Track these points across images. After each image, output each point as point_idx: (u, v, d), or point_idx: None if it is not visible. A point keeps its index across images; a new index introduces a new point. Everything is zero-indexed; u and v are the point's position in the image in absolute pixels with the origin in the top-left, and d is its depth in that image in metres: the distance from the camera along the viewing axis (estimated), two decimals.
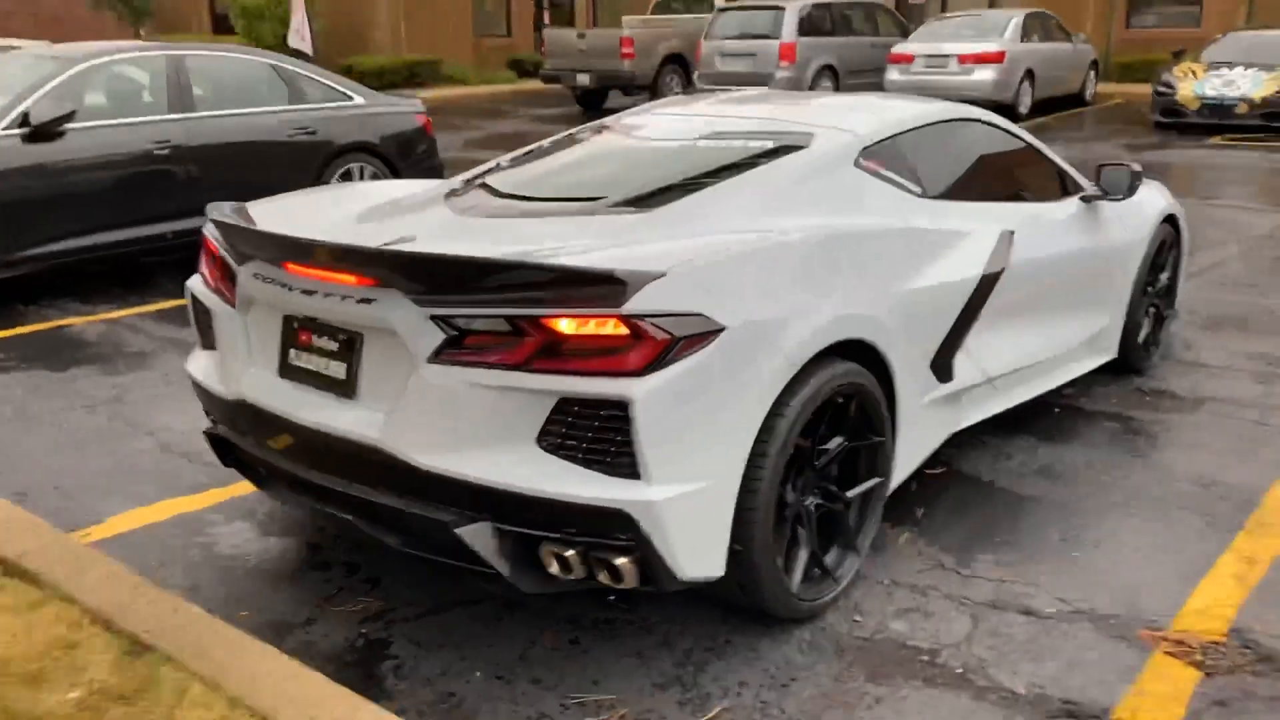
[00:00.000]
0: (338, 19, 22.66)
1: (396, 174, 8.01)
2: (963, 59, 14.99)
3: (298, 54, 20.78)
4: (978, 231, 3.63)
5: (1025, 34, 15.47)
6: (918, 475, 3.66)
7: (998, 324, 3.68)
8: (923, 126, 3.80)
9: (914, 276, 3.26)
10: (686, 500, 2.48)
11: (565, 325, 2.43)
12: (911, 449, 3.33)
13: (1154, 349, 5.03)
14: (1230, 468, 3.90)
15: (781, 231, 2.92)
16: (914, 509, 3.58)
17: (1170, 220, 5.00)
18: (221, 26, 24.84)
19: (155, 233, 6.73)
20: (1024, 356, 3.92)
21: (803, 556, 2.90)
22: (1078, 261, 4.22)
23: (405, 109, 8.24)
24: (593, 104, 18.63)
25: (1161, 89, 14.12)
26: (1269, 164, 11.15)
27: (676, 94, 17.86)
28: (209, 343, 3.19)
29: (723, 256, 2.66)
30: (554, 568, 2.55)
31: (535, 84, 19.44)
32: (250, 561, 3.26)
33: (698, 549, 2.56)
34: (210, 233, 3.14)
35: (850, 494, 3.04)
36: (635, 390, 2.39)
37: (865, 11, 17.96)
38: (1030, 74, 15.38)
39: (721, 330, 2.52)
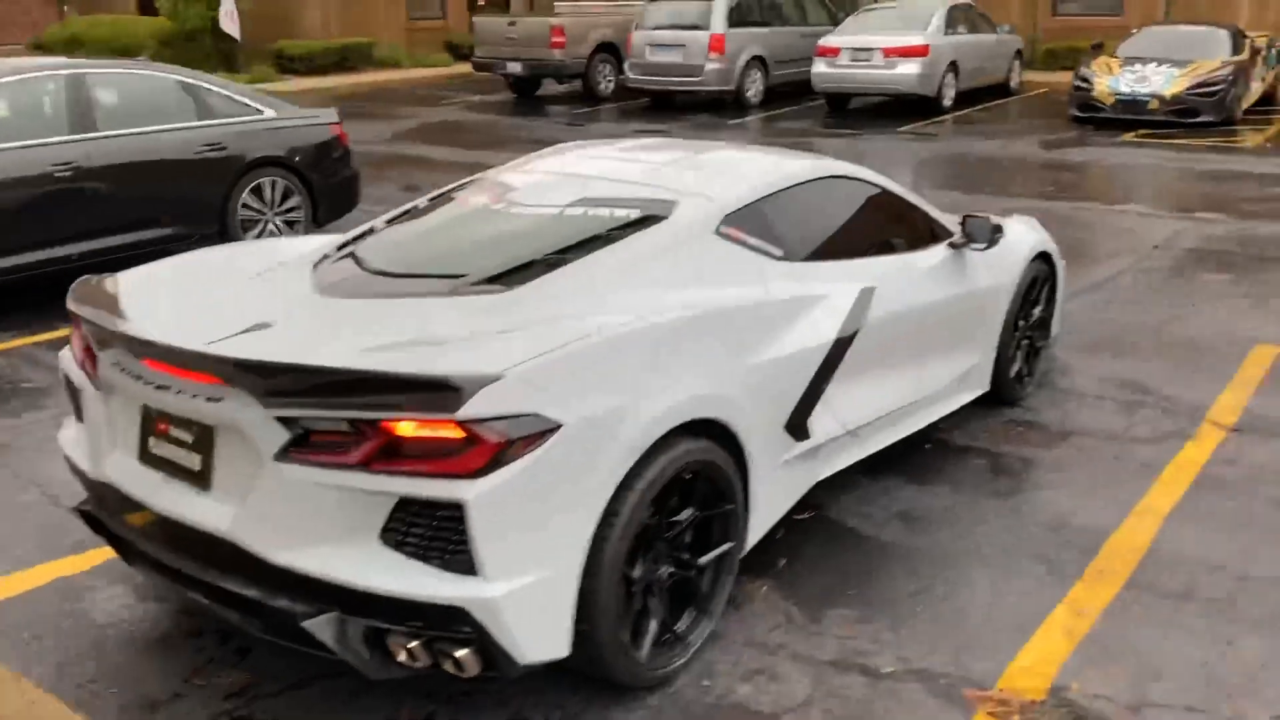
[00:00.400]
0: (266, 2, 22.28)
1: (309, 186, 7.99)
2: (887, 52, 15.14)
3: (228, 37, 20.51)
4: (836, 292, 3.76)
5: (950, 26, 15.67)
6: (786, 521, 3.80)
7: (858, 378, 3.82)
8: (787, 188, 3.91)
9: (766, 348, 3.38)
10: (525, 592, 2.60)
11: (403, 428, 2.53)
12: (769, 508, 3.47)
13: (1028, 380, 5.22)
14: (1081, 509, 4.10)
15: (630, 318, 3.02)
16: (777, 558, 3.73)
17: (1043, 256, 5.17)
18: (148, 8, 24.28)
19: (59, 255, 6.70)
20: (889, 404, 4.07)
21: (653, 626, 3.03)
22: (945, 307, 4.38)
23: (318, 120, 8.19)
24: (526, 91, 18.57)
25: (1079, 84, 14.40)
26: (1175, 163, 11.47)
27: (609, 83, 17.88)
28: (80, 415, 3.24)
29: (562, 353, 2.76)
30: (401, 657, 2.66)
31: (470, 68, 19.27)
32: (124, 629, 3.33)
33: (540, 635, 2.68)
34: (73, 309, 3.18)
35: (702, 560, 3.18)
36: (469, 492, 2.49)
37: (796, 0, 18.06)
38: (954, 66, 15.60)
39: (558, 428, 2.63)
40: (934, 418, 4.46)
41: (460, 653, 2.59)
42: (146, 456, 2.95)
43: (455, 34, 24.28)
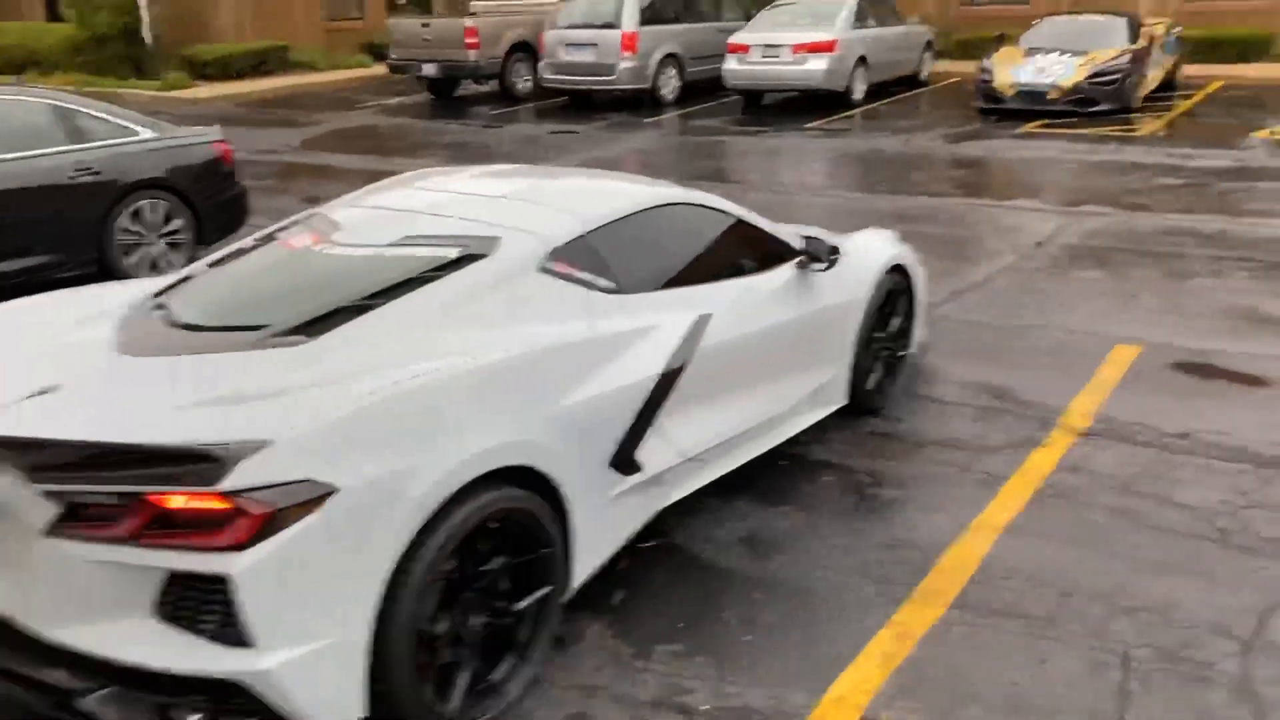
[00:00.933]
0: (178, 5, 21.81)
1: (193, 207, 7.83)
2: (796, 48, 15.20)
3: (140, 43, 20.05)
4: (667, 323, 3.75)
5: (858, 20, 15.76)
6: (630, 550, 3.80)
7: (696, 406, 3.81)
8: (622, 219, 3.89)
9: (584, 386, 3.35)
10: (306, 660, 2.56)
11: (171, 501, 2.48)
12: (597, 546, 3.46)
13: (888, 389, 5.27)
14: (922, 525, 4.14)
15: (427, 368, 2.98)
16: (614, 591, 3.71)
17: (899, 269, 5.22)
18: (56, 14, 23.68)
19: None
20: (734, 427, 4.08)
21: (464, 678, 3.01)
22: (792, 326, 4.40)
23: (199, 139, 8.02)
24: (443, 92, 18.39)
25: (983, 76, 14.56)
26: (1071, 155, 11.64)
27: (525, 83, 17.74)
28: None
29: (341, 414, 2.72)
30: None
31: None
32: None
33: (330, 700, 2.64)
34: None
35: (519, 606, 3.15)
36: (235, 566, 2.45)
37: None
38: (863, 60, 15.71)
39: (333, 493, 2.58)
40: (786, 435, 4.48)
41: None
42: None
43: (375, 35, 23.92)
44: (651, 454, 3.63)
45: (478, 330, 3.22)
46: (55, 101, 7.42)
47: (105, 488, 2.52)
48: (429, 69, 17.35)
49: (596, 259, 3.68)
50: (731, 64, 15.75)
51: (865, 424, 5.07)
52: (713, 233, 4.36)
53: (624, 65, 16.08)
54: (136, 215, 7.52)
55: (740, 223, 4.48)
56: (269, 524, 2.47)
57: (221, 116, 16.12)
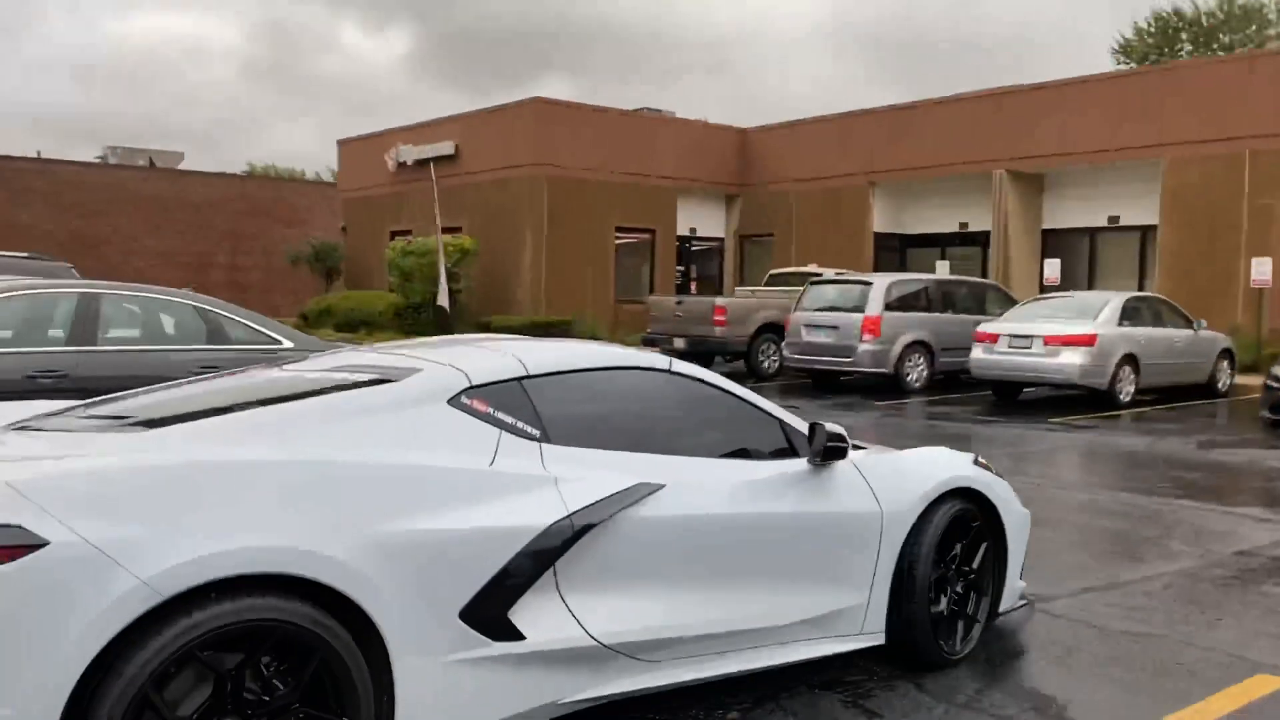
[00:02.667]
0: (487, 281, 24.15)
1: None
2: (1049, 340, 13.92)
3: (444, 310, 22.23)
4: (590, 480, 3.23)
5: (1127, 317, 14.28)
6: None
7: (622, 585, 3.19)
8: (577, 371, 3.61)
9: (438, 518, 2.90)
10: None
11: None
12: (440, 711, 2.84)
13: (957, 643, 4.14)
14: None
15: (229, 455, 2.73)
16: None
17: (969, 494, 4.13)
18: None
19: None
20: (685, 627, 3.31)
21: None
22: (788, 525, 3.66)
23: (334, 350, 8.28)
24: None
25: (1273, 383, 12.47)
26: None
27: (772, 362, 17.57)
28: None
29: (82, 469, 2.50)
30: None
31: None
32: None
33: None
34: None
35: None
36: None
37: (973, 290, 17.34)
38: (1132, 360, 14.06)
39: (42, 545, 2.31)
40: (777, 660, 3.63)
41: None
42: None
43: None
44: (538, 622, 2.99)
45: (349, 444, 2.96)
46: (197, 304, 7.94)
47: None
48: (678, 342, 17.70)
49: (526, 405, 3.41)
50: (978, 353, 14.69)
51: (917, 680, 3.82)
52: (696, 407, 3.82)
53: (864, 347, 15.50)
54: None
55: (738, 401, 3.90)
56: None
57: None
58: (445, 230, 23.57)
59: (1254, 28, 38.83)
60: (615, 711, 3.40)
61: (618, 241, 25.25)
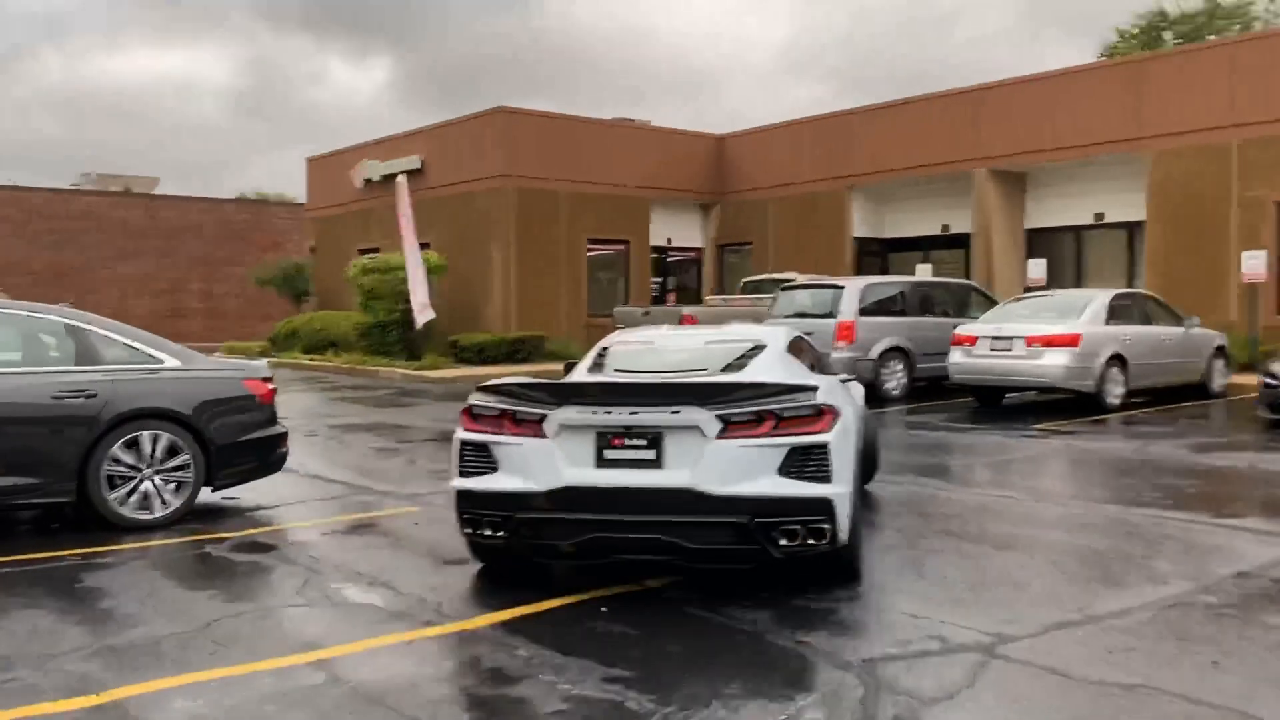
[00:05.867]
0: (455, 298, 23.31)
1: (204, 444, 7.12)
2: (1030, 340, 13.08)
3: (412, 328, 21.29)
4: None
5: (1113, 315, 13.45)
6: None
7: None
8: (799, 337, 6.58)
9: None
10: (848, 494, 5.02)
11: (787, 413, 4.79)
12: None
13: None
14: None
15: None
16: None
17: None
18: None
19: None
20: None
21: None
22: None
23: (228, 374, 7.43)
24: None
25: (1267, 380, 11.64)
26: None
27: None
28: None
29: (832, 380, 6.00)
30: None
31: None
32: None
33: (846, 518, 4.95)
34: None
35: None
36: (827, 439, 4.84)
37: (953, 292, 16.52)
38: (1119, 360, 13.22)
39: (840, 412, 5.14)
40: None
41: None
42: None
43: None
44: None
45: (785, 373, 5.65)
46: (72, 321, 7.09)
47: (750, 407, 4.81)
48: None
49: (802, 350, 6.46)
50: (956, 357, 13.85)
51: None
52: None
53: (838, 355, 14.59)
54: (132, 445, 6.88)
55: None
56: (833, 419, 4.87)
57: (455, 392, 16.36)
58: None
59: (1238, 27, 38.19)
60: None
61: (590, 254, 24.45)
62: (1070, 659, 4.20)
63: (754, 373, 5.50)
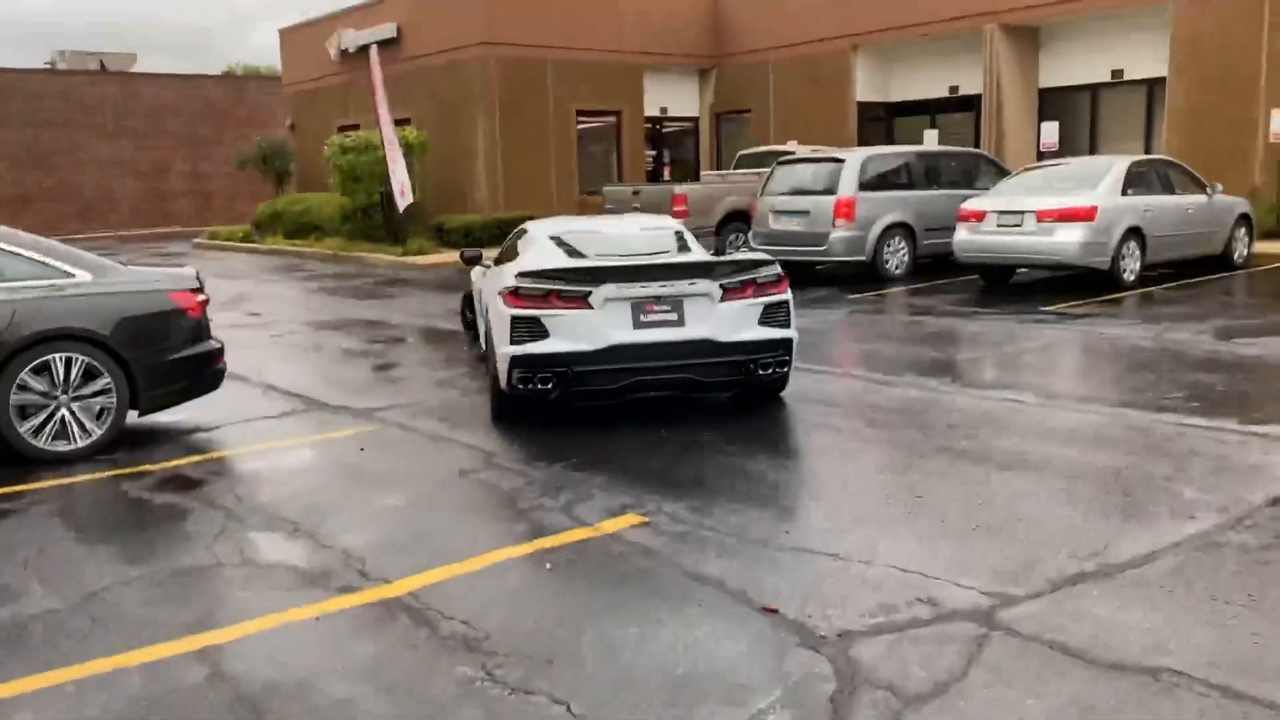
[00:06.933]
0: (439, 178, 22.31)
1: (125, 366, 6.44)
2: (1041, 215, 12.18)
3: (395, 210, 20.39)
4: None
5: (1131, 185, 12.50)
6: None
7: None
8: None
9: None
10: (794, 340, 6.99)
11: (761, 280, 6.59)
12: None
13: None
14: None
15: None
16: None
17: None
18: None
19: None
20: None
21: None
22: None
23: (151, 287, 6.68)
24: None
25: None
26: None
27: (740, 251, 15.87)
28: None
29: None
30: None
31: None
32: None
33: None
34: None
35: None
36: (788, 295, 6.86)
37: (960, 162, 15.52)
38: (1137, 233, 12.34)
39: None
40: None
41: None
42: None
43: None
44: None
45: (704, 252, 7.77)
46: None
47: (740, 278, 6.53)
48: None
49: None
50: (962, 234, 12.98)
51: None
52: None
53: (838, 234, 13.79)
54: (42, 370, 6.21)
55: None
56: (788, 282, 6.81)
57: (442, 281, 15.64)
58: (394, 123, 21.52)
59: None
60: None
61: (580, 127, 23.22)
62: (1081, 628, 3.57)
63: (698, 252, 7.40)
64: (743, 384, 6.66)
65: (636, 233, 7.66)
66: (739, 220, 15.87)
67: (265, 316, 13.01)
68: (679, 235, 7.62)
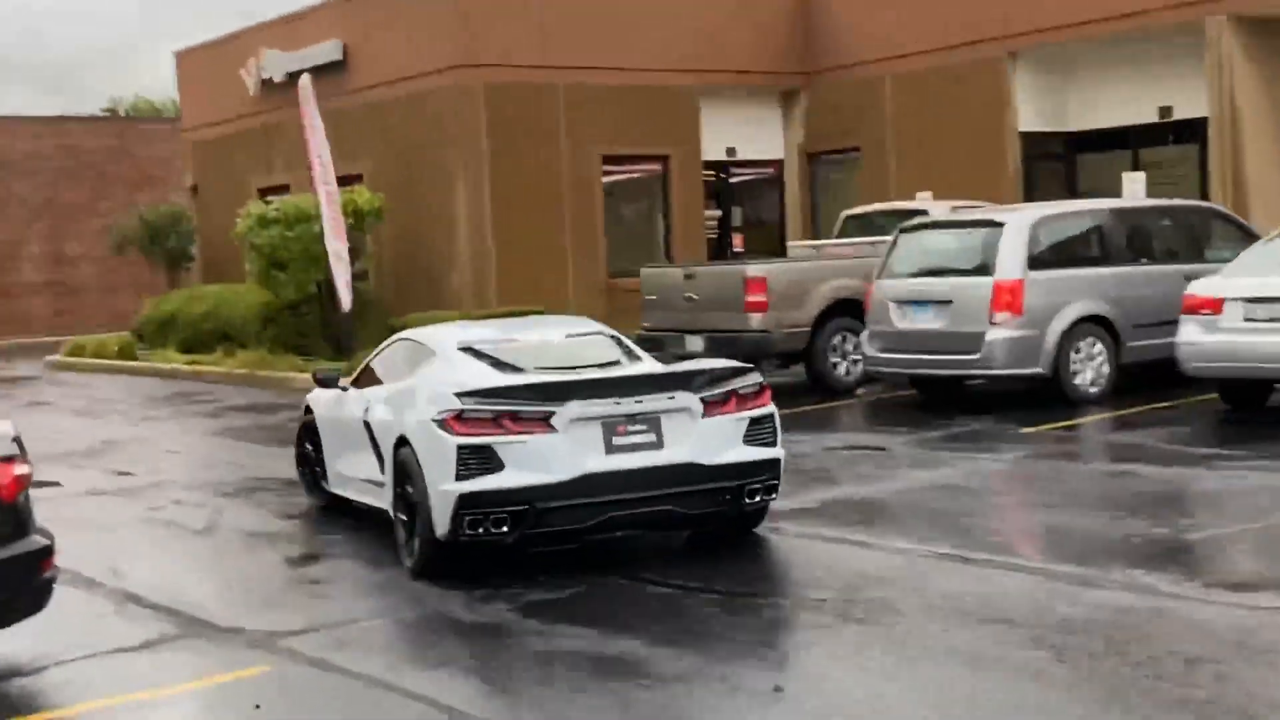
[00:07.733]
0: (404, 259, 22.63)
1: None
2: None
3: (339, 309, 20.63)
4: None
5: None
6: None
7: None
8: None
9: None
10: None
11: (744, 391, 8.23)
12: None
13: None
14: None
15: None
16: None
17: None
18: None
19: None
20: None
21: None
22: None
23: None
24: None
25: None
26: None
27: (852, 365, 15.79)
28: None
29: None
30: None
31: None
32: None
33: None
34: None
35: None
36: (772, 408, 8.54)
37: (1182, 221, 15.58)
38: None
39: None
40: None
41: None
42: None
43: None
44: None
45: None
46: None
47: (721, 389, 8.08)
48: (693, 342, 15.98)
49: None
50: (1190, 332, 12.65)
51: None
52: None
53: (997, 335, 13.54)
54: None
55: None
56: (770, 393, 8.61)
57: None
58: (340, 182, 21.90)
59: None
60: None
61: (608, 180, 23.70)
62: None
63: (649, 362, 9.09)
64: (722, 516, 8.20)
65: (562, 340, 9.25)
66: (847, 314, 15.72)
67: (139, 477, 13.14)
68: (617, 341, 9.30)
